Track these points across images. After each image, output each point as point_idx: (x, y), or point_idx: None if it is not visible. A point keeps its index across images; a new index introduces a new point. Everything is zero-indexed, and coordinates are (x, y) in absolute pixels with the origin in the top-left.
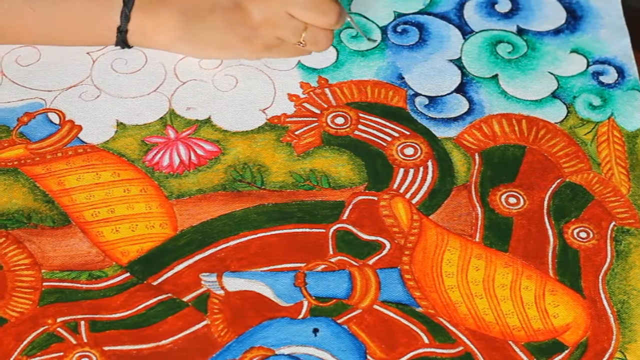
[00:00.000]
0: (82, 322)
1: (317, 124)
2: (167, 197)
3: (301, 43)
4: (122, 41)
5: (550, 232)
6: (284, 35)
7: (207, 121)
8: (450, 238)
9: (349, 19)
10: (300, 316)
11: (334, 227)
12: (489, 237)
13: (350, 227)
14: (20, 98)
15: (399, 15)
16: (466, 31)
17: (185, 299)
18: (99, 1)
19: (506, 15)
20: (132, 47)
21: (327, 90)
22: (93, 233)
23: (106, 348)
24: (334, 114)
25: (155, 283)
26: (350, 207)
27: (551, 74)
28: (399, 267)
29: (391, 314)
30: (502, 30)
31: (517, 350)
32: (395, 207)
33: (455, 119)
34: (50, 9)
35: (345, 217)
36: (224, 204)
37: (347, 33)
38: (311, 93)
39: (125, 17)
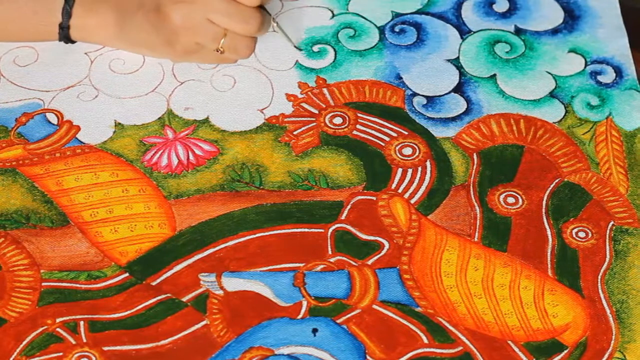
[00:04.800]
0: (82, 322)
1: (315, 124)
2: (165, 197)
3: (220, 50)
4: (65, 37)
5: (548, 232)
6: (203, 40)
7: (205, 121)
8: (449, 238)
9: (275, 26)
10: (300, 316)
11: (333, 227)
12: (488, 236)
13: (349, 227)
14: (19, 98)
15: (396, 15)
16: (464, 31)
17: (184, 299)
18: None
19: (504, 15)
20: (75, 42)
21: (325, 90)
22: (92, 233)
23: (105, 348)
24: (332, 114)
25: (154, 283)
26: (349, 207)
27: (549, 73)
28: (397, 267)
29: (390, 314)
30: (500, 30)
31: (516, 350)
32: (393, 207)
33: (453, 119)
34: None
35: (343, 217)
36: (222, 204)
37: (345, 33)
38: (309, 93)
39: (67, 13)
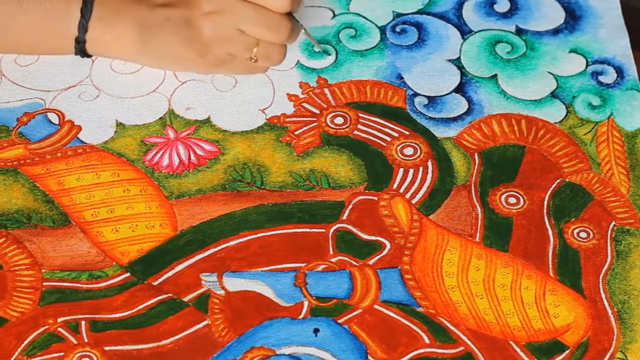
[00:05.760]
0: (83, 322)
1: (316, 124)
2: (166, 197)
3: (253, 58)
4: (81, 51)
5: (550, 232)
6: (236, 51)
7: (207, 121)
8: (451, 238)
9: (303, 31)
10: (301, 316)
11: (334, 227)
12: (489, 237)
13: (350, 227)
14: (20, 98)
15: (397, 15)
16: (465, 31)
17: (185, 299)
18: (56, 11)
19: (505, 15)
20: (91, 56)
21: (326, 90)
22: (93, 233)
23: (107, 348)
24: (333, 114)
25: (155, 283)
26: (350, 207)
27: (550, 73)
28: (399, 267)
29: (392, 314)
30: (501, 30)
31: (517, 350)
32: (395, 207)
33: (454, 119)
34: (8, 18)
35: (345, 217)
36: (223, 204)
37: (346, 33)
38: (310, 93)
39: (83, 28)
